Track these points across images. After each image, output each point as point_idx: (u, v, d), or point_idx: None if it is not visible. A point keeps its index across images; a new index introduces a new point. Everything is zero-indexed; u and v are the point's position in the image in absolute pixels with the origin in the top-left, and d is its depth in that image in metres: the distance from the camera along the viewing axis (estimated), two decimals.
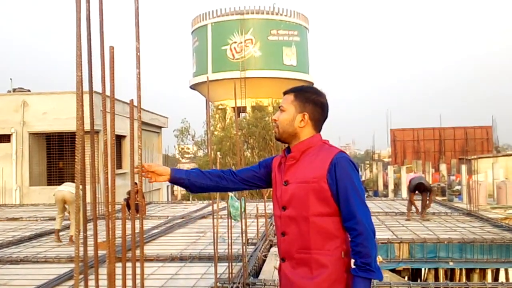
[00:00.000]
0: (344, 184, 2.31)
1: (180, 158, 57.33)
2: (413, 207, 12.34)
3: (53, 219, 13.53)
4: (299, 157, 2.43)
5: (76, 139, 2.09)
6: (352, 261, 2.32)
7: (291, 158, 2.44)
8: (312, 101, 2.46)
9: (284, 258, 2.44)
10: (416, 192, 12.35)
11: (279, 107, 2.52)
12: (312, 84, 48.71)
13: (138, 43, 2.21)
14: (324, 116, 2.51)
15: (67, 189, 9.26)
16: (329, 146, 2.46)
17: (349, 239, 2.36)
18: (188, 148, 51.41)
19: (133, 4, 2.37)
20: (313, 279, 2.31)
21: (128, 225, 2.85)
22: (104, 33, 2.30)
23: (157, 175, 2.55)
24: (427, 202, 12.28)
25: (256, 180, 2.68)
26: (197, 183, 2.61)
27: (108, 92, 2.35)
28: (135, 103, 2.40)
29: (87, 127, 2.46)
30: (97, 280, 2.31)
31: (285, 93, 2.53)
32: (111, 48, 2.13)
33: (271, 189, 2.62)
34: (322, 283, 2.30)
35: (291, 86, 2.61)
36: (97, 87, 2.45)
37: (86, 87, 2.33)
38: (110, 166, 2.25)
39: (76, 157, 2.08)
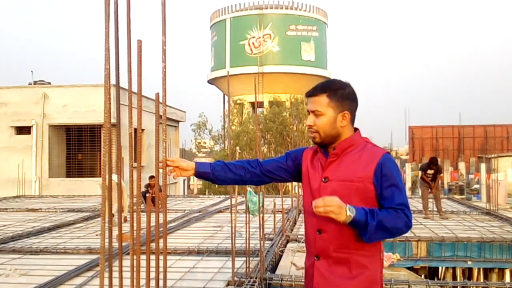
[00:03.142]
0: (390, 185, 2.28)
1: (197, 152, 57.56)
2: (429, 204, 12.20)
3: (72, 210, 13.74)
4: (341, 154, 2.37)
5: (103, 131, 2.11)
6: (373, 209, 2.24)
7: (334, 155, 2.38)
8: (348, 97, 2.39)
9: (319, 255, 2.39)
10: (428, 172, 12.02)
11: (312, 111, 2.39)
12: None
13: (164, 37, 2.22)
14: (357, 107, 2.45)
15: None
16: (372, 145, 2.42)
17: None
18: (205, 143, 51.56)
19: None
20: (353, 279, 2.30)
21: (145, 218, 2.88)
22: (129, 27, 2.31)
23: (182, 170, 2.50)
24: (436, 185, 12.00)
25: (281, 172, 2.60)
26: (221, 177, 2.58)
27: (133, 86, 2.36)
28: (160, 97, 2.41)
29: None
30: (120, 271, 2.34)
31: (311, 94, 2.40)
32: (139, 41, 2.14)
33: (287, 183, 2.58)
34: (362, 283, 2.30)
35: (313, 85, 2.45)
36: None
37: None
38: (137, 159, 2.27)
39: (102, 150, 2.10)
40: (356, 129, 2.45)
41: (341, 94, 2.37)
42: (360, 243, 2.29)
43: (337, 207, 2.14)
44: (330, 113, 2.35)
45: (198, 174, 2.55)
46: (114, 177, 9.71)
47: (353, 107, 2.41)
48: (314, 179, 2.42)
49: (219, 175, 2.58)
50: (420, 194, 13.73)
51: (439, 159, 12.71)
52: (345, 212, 2.14)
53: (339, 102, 2.36)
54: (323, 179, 2.38)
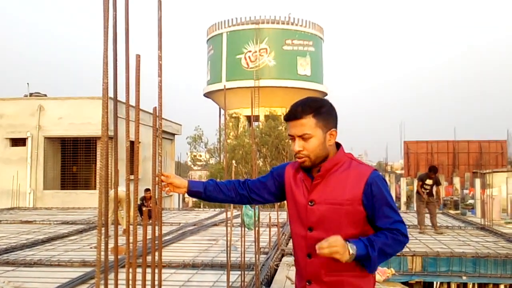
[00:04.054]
0: (382, 204, 2.23)
1: (192, 166, 57.49)
2: (425, 219, 12.20)
3: (66, 223, 13.68)
4: (326, 175, 2.28)
5: (100, 145, 2.12)
6: (370, 237, 2.20)
7: (319, 178, 2.28)
8: (331, 114, 2.30)
9: (310, 280, 2.32)
10: (427, 182, 12.00)
11: (300, 136, 2.24)
12: (326, 94, 48.78)
13: (160, 51, 2.24)
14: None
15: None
16: (357, 162, 2.33)
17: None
18: (201, 156, 51.57)
19: (156, 13, 2.41)
20: None
21: (141, 231, 2.89)
22: (127, 42, 2.33)
23: (175, 187, 2.50)
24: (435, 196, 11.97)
25: (264, 193, 2.54)
26: (212, 196, 2.57)
27: (131, 99, 2.38)
28: (156, 110, 2.43)
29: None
30: (116, 285, 2.34)
31: (296, 118, 2.25)
32: (137, 56, 2.16)
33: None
34: None
35: (294, 108, 2.27)
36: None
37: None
38: (135, 173, 2.28)
39: (100, 163, 2.12)
40: (338, 145, 2.36)
41: (325, 111, 2.26)
42: (352, 264, 2.22)
43: (342, 247, 2.09)
44: (319, 134, 2.24)
45: (191, 193, 2.54)
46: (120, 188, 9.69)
47: (336, 123, 2.32)
48: (300, 199, 2.35)
49: (211, 195, 2.56)
50: (415, 208, 13.72)
51: None
52: (348, 251, 2.09)
53: (326, 120, 2.25)
54: (309, 203, 2.29)
